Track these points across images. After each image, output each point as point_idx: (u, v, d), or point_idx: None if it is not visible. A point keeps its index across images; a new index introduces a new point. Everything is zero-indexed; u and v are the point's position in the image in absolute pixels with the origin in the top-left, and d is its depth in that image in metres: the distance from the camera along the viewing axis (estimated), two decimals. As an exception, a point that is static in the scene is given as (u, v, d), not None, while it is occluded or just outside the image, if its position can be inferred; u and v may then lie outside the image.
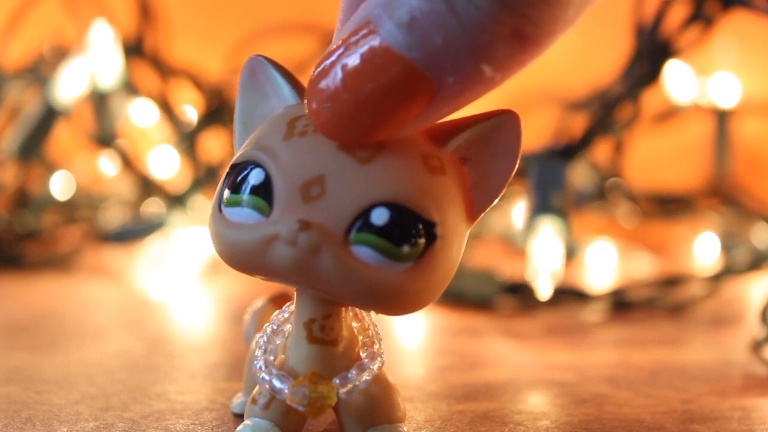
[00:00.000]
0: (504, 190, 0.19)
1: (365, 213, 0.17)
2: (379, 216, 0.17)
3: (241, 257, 0.18)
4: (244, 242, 0.18)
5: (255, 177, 0.18)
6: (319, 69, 0.17)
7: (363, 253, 0.17)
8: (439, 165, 0.18)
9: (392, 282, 0.17)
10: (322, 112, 0.17)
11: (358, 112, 0.17)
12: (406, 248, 0.17)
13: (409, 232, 0.17)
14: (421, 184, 0.18)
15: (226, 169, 0.19)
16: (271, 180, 0.18)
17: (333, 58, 0.17)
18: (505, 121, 0.19)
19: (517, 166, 0.19)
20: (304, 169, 0.18)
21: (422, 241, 0.17)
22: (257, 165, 0.18)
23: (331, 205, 0.17)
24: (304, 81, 0.19)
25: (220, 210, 0.19)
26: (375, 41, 0.16)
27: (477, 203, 0.19)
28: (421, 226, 0.17)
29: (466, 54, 0.15)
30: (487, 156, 0.19)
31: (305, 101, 0.18)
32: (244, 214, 0.18)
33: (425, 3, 0.15)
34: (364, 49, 0.16)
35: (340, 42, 0.17)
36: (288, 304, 0.21)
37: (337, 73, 0.17)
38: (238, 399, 0.24)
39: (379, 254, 0.17)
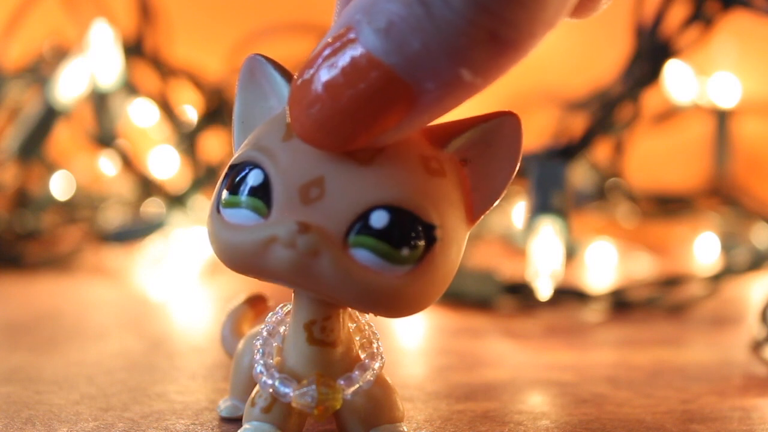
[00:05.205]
0: (504, 192, 0.19)
1: (364, 216, 0.17)
2: (379, 219, 0.17)
3: (239, 259, 0.18)
4: (242, 244, 0.18)
5: (254, 178, 0.18)
6: (301, 76, 0.17)
7: (362, 256, 0.17)
8: (439, 167, 0.18)
9: (391, 285, 0.17)
10: (303, 119, 0.17)
11: (339, 119, 0.16)
12: (405, 251, 0.17)
13: (408, 234, 0.17)
14: (421, 186, 0.18)
15: (225, 170, 0.19)
16: (269, 181, 0.18)
17: (314, 64, 0.17)
18: (505, 123, 0.18)
19: (517, 168, 0.19)
20: (304, 171, 0.17)
21: (422, 243, 0.17)
22: (256, 166, 0.18)
23: (331, 208, 0.17)
24: None
25: (218, 211, 0.18)
26: (354, 47, 0.16)
27: (477, 205, 0.19)
28: (420, 229, 0.17)
29: (444, 58, 0.15)
30: (488, 158, 0.19)
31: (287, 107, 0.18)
32: (242, 216, 0.18)
33: (403, 8, 0.15)
34: (344, 55, 0.16)
35: (321, 48, 0.17)
36: (282, 305, 0.20)
37: (318, 80, 0.16)
38: (224, 403, 0.23)
39: (378, 257, 0.17)
